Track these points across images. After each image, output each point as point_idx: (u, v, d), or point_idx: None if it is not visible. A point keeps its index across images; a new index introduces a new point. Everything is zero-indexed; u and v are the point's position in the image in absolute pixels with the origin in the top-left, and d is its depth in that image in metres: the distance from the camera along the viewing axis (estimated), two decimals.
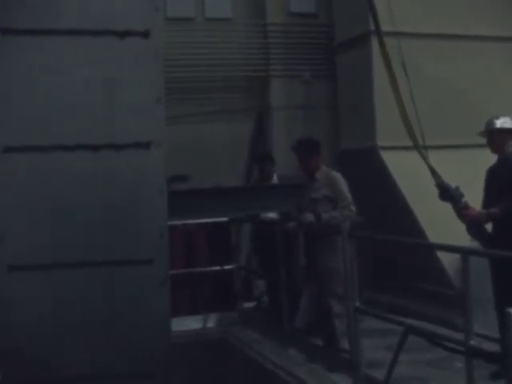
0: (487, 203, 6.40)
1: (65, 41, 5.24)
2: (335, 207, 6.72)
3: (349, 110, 10.82)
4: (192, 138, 10.82)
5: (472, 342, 4.70)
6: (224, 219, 8.43)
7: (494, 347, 5.14)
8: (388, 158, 9.55)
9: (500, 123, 6.49)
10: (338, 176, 6.86)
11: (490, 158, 6.64)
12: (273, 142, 11.31)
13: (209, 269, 8.99)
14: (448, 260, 8.20)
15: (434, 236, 8.31)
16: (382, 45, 5.76)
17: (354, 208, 6.72)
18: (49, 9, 5.24)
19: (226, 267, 8.69)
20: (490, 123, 6.55)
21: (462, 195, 6.31)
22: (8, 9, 5.17)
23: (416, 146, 5.91)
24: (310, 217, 6.71)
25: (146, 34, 5.33)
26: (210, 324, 8.39)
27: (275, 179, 8.73)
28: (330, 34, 11.42)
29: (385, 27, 5.97)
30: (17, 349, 5.22)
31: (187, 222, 8.58)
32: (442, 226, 7.99)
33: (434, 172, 6.28)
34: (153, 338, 5.54)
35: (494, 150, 6.54)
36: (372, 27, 8.88)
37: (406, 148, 8.44)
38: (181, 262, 8.98)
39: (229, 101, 11.25)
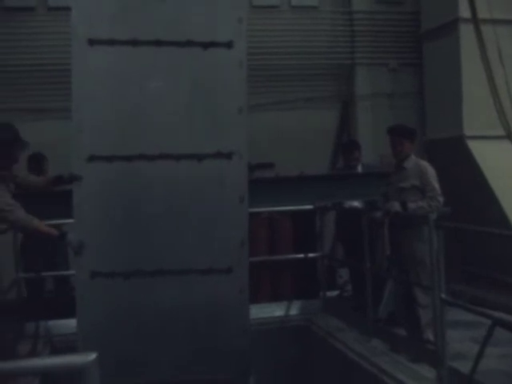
0: None
1: (149, 51, 5.33)
2: (423, 197, 6.66)
3: (435, 99, 10.71)
4: (277, 125, 10.90)
5: None
6: (309, 207, 8.43)
7: None
8: (475, 147, 9.41)
9: None
10: (427, 166, 6.78)
11: None
12: (357, 129, 11.28)
13: (293, 256, 9.03)
14: None
15: None
16: (478, 32, 5.67)
17: (441, 199, 6.64)
18: (134, 20, 5.34)
19: (310, 255, 8.68)
20: None
21: None
22: (95, 21, 5.29)
23: (509, 135, 5.80)
24: (396, 206, 6.66)
25: (229, 45, 5.40)
26: (293, 312, 8.41)
27: (359, 168, 8.67)
28: (416, 21, 11.34)
29: (480, 14, 5.87)
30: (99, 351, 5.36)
31: (272, 209, 8.62)
32: None
33: None
34: (232, 344, 5.62)
35: None
36: (460, 14, 8.79)
37: (493, 137, 8.35)
38: (265, 249, 9.03)
39: (314, 89, 11.28)
